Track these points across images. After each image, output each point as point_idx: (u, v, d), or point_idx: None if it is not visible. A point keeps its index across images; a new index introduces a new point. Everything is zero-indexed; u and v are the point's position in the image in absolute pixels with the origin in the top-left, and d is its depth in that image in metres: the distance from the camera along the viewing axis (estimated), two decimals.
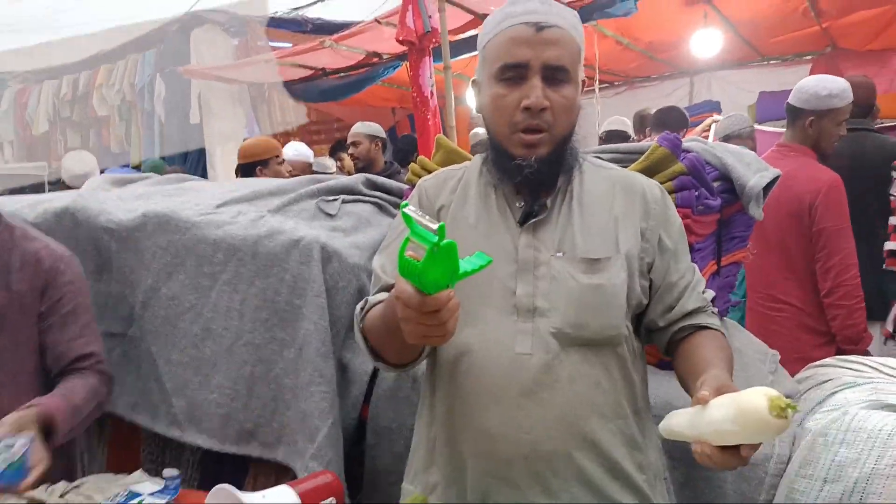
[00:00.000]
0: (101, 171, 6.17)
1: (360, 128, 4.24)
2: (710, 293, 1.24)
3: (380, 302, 1.14)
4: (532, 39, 1.10)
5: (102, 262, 1.83)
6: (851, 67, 5.87)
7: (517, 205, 1.18)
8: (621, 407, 1.15)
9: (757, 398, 0.85)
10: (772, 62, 6.56)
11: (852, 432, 1.33)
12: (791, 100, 2.59)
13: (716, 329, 1.19)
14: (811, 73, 6.23)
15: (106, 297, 1.84)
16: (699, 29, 5.20)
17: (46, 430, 1.40)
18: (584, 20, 4.14)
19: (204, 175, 6.13)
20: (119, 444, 1.93)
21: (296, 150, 4.69)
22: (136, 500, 1.42)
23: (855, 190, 2.74)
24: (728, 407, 0.88)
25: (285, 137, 6.85)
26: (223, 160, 6.11)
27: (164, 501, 1.40)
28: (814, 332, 2.51)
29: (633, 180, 1.23)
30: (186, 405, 1.72)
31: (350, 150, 4.29)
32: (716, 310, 1.24)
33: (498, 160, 1.18)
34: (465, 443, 1.15)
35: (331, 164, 6.24)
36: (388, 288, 1.19)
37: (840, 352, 2.49)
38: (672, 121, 3.68)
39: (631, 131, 4.20)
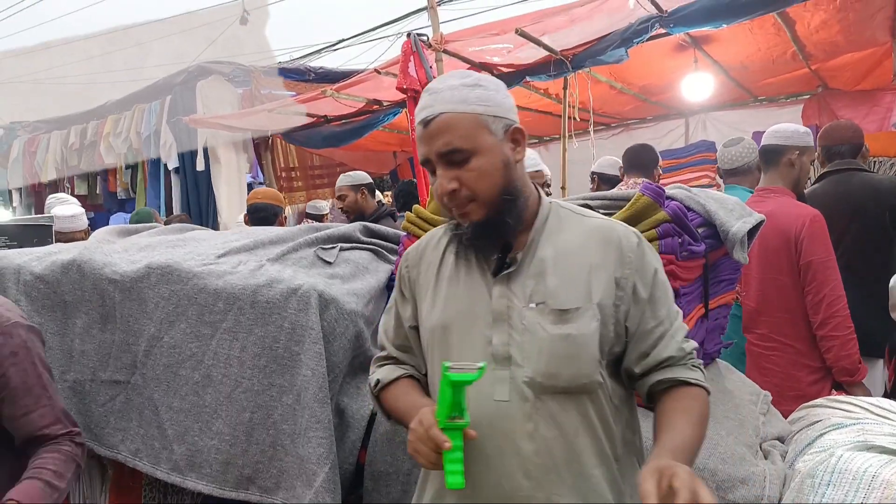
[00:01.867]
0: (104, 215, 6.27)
1: (343, 180, 4.33)
2: (693, 343, 1.25)
3: (395, 380, 1.34)
4: (424, 136, 1.20)
5: (107, 311, 1.88)
6: (843, 107, 5.98)
7: (491, 258, 1.25)
8: (602, 453, 1.18)
9: None
10: (765, 102, 6.69)
11: (838, 473, 1.35)
12: (768, 142, 2.67)
13: (695, 384, 1.21)
14: (803, 112, 6.34)
15: (110, 345, 1.89)
16: (690, 73, 5.32)
17: None
18: (576, 67, 4.30)
19: (212, 219, 6.24)
20: (120, 489, 1.95)
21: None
22: None
23: (847, 228, 2.80)
24: None
25: (289, 182, 7.00)
26: (229, 206, 6.23)
27: None
28: (808, 369, 2.53)
29: (610, 229, 1.26)
30: (187, 451, 1.75)
31: (338, 205, 4.40)
32: (699, 361, 1.25)
33: (451, 228, 1.29)
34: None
35: (324, 205, 6.37)
36: (387, 357, 1.41)
37: (836, 386, 2.50)
38: (644, 161, 3.58)
39: (619, 174, 4.24)
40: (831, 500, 1.31)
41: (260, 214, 3.81)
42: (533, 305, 1.19)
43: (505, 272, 1.22)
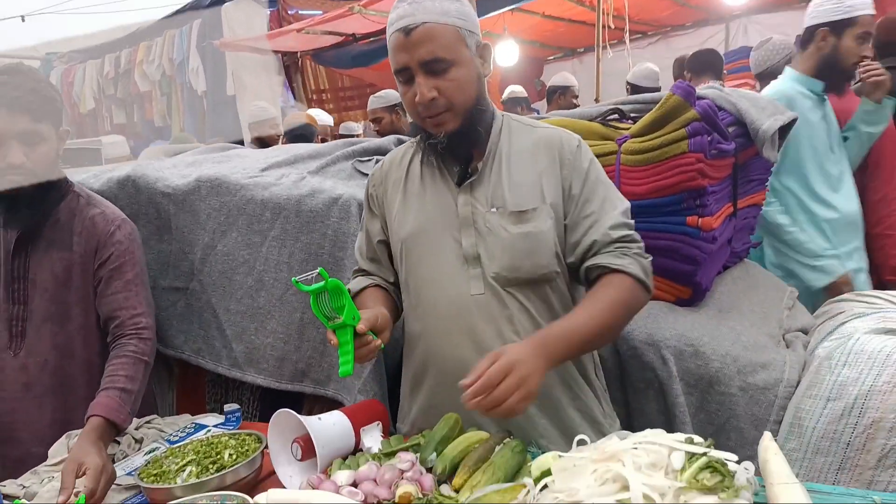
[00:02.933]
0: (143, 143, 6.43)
1: (375, 102, 4.27)
2: (624, 232, 1.30)
3: (362, 289, 1.48)
4: (405, 44, 1.25)
5: (162, 223, 2.01)
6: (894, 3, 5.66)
7: (454, 169, 1.35)
8: None
9: None
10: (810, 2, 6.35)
11: (854, 354, 1.42)
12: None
13: (618, 269, 1.26)
14: None
15: (168, 255, 2.03)
16: None
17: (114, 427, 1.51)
18: None
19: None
20: (185, 387, 2.14)
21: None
22: (203, 431, 1.62)
23: None
24: None
25: (320, 105, 7.01)
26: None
27: (229, 430, 1.60)
28: None
29: (555, 136, 1.37)
30: (245, 349, 1.91)
31: (374, 128, 4.39)
32: (634, 249, 1.30)
33: (422, 139, 1.37)
34: (441, 375, 1.37)
35: (356, 126, 6.40)
36: (360, 270, 1.54)
37: None
38: (712, 63, 3.60)
39: (657, 82, 4.17)
40: (846, 378, 1.39)
41: (297, 132, 3.91)
42: (494, 210, 1.31)
43: (467, 181, 1.33)
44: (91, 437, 1.45)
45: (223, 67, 6.22)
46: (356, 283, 1.51)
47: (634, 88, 4.10)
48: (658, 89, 4.13)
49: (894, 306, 1.71)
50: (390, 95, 4.27)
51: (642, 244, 1.33)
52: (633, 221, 1.35)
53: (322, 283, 1.19)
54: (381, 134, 4.31)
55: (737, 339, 1.64)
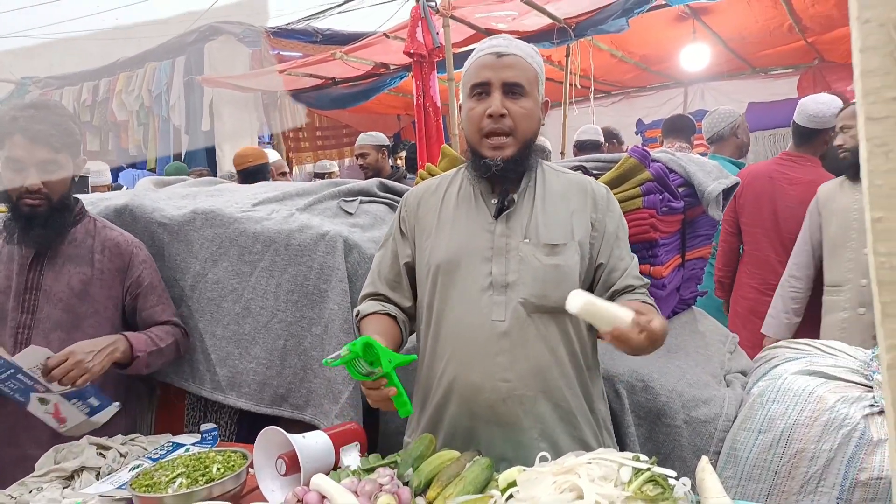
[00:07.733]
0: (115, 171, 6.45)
1: (366, 139, 4.56)
2: (645, 280, 1.50)
3: (371, 313, 1.52)
4: (493, 64, 1.41)
5: (156, 251, 2.12)
6: (837, 80, 6.15)
7: (492, 202, 1.48)
8: (577, 362, 1.46)
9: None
10: (762, 73, 6.84)
11: (782, 392, 1.62)
12: (805, 125, 2.97)
13: (651, 304, 1.42)
14: (799, 84, 6.50)
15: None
16: (689, 43, 5.48)
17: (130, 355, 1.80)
18: (579, 35, 4.49)
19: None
20: (165, 408, 2.22)
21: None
22: (181, 449, 1.71)
23: None
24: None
25: (296, 143, 7.17)
26: (231, 164, 6.40)
27: (205, 449, 1.70)
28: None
29: (584, 182, 1.53)
30: (229, 373, 2.01)
31: (359, 162, 4.63)
32: (650, 300, 1.47)
33: (474, 161, 1.49)
34: (454, 393, 1.47)
35: (330, 165, 6.60)
36: (374, 294, 1.58)
37: None
38: (682, 127, 3.86)
39: (601, 139, 4.49)
40: (775, 413, 1.58)
41: (250, 170, 4.04)
42: (527, 240, 1.44)
43: (506, 212, 1.46)
44: (104, 339, 1.75)
45: (201, 103, 6.35)
46: (367, 307, 1.55)
47: (580, 145, 4.42)
48: (600, 143, 4.41)
49: (820, 352, 1.92)
50: (379, 137, 4.58)
51: None
52: None
53: (350, 354, 1.21)
54: (364, 168, 4.54)
55: (682, 376, 1.82)
